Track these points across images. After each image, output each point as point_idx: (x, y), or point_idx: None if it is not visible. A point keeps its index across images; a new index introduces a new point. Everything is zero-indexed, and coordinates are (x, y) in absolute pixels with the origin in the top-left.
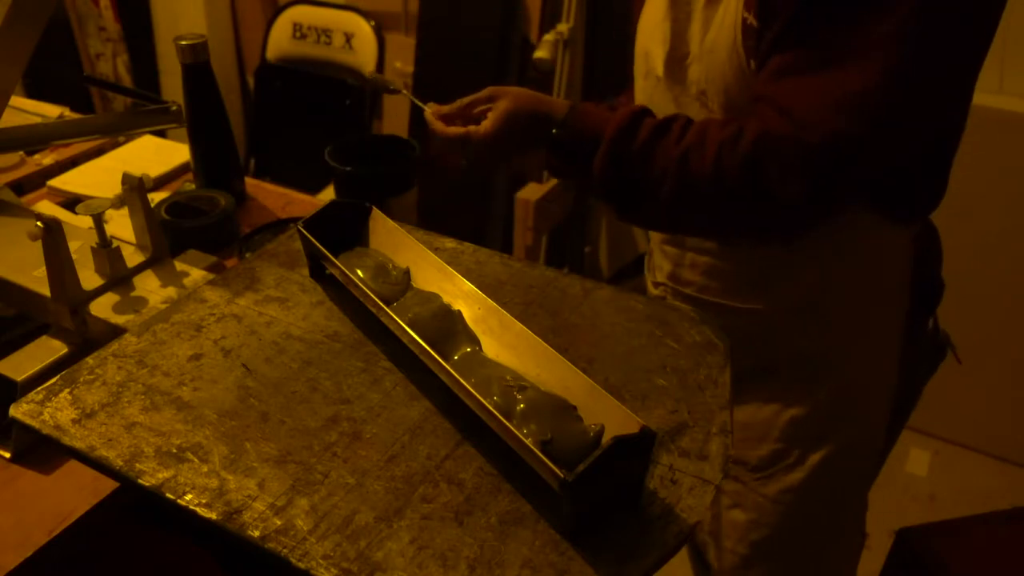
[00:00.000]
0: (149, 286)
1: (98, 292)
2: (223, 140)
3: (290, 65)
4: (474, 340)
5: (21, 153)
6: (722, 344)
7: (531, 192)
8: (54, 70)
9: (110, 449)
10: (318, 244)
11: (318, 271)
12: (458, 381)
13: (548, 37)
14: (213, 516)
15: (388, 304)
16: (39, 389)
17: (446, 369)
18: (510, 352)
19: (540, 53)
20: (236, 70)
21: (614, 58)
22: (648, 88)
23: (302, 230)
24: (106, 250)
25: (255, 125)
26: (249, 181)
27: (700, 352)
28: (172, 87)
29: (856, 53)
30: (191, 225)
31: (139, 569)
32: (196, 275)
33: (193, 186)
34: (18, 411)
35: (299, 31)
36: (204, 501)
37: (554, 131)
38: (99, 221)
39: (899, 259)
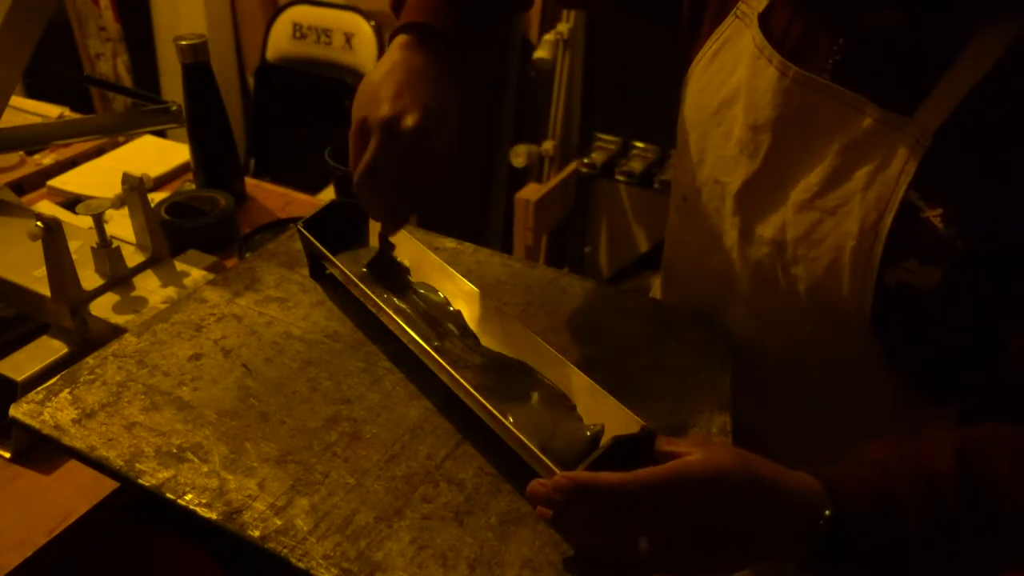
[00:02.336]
0: (149, 286)
1: (98, 292)
2: (223, 140)
3: (290, 65)
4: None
5: (21, 153)
6: (722, 344)
7: (531, 192)
8: (54, 70)
9: (110, 449)
10: (318, 244)
11: (318, 271)
12: (458, 381)
13: (548, 37)
14: (213, 516)
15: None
16: (39, 389)
17: (446, 369)
18: (510, 352)
19: (540, 53)
20: (236, 70)
21: (614, 58)
22: (697, 184)
23: (302, 230)
24: (106, 250)
25: (255, 125)
26: (249, 181)
27: (700, 352)
28: (172, 87)
29: None
30: (191, 225)
31: (139, 569)
32: (196, 275)
33: (193, 186)
34: (18, 411)
35: (299, 31)
36: (204, 501)
37: (820, 542)
38: (99, 221)
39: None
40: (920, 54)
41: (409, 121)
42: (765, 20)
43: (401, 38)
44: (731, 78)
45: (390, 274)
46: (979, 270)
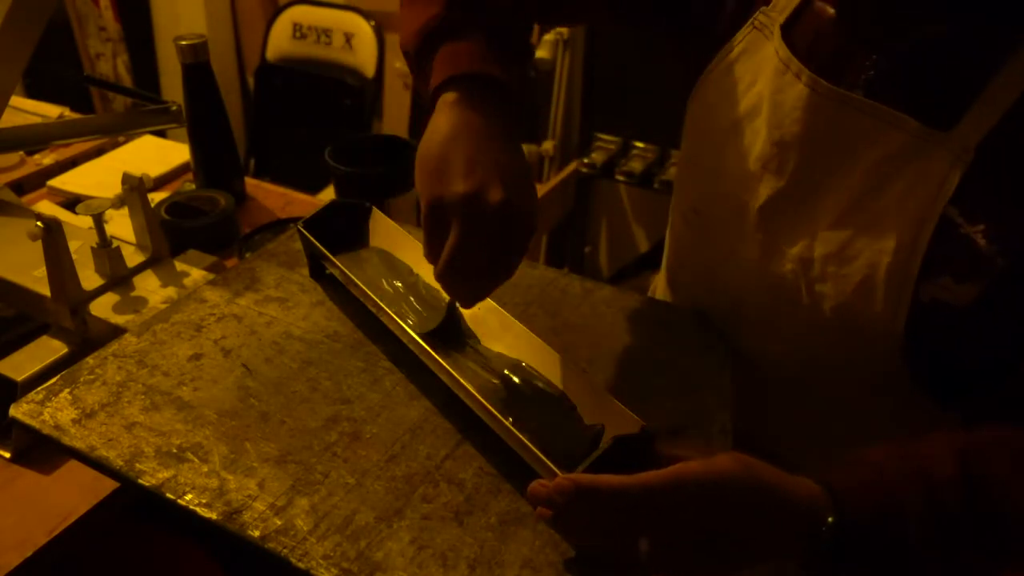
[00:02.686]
0: (149, 286)
1: (98, 292)
2: (223, 140)
3: (290, 65)
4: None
5: (21, 153)
6: (722, 344)
7: None
8: (54, 70)
9: (110, 449)
10: (318, 244)
11: (318, 271)
12: (458, 381)
13: (548, 37)
14: (213, 516)
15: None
16: (39, 389)
17: (446, 369)
18: (510, 352)
19: (540, 53)
20: (236, 70)
21: (614, 58)
22: (711, 197)
23: (302, 230)
24: (106, 250)
25: (255, 125)
26: (249, 181)
27: (700, 352)
28: (172, 87)
29: None
30: (191, 225)
31: (139, 569)
32: (196, 275)
33: (193, 186)
34: (18, 411)
35: (299, 31)
36: (204, 501)
37: (823, 547)
38: (99, 221)
39: None
40: (958, 69)
41: (494, 196)
42: (786, 32)
43: (448, 96)
44: (750, 91)
45: (454, 338)
46: (1017, 287)
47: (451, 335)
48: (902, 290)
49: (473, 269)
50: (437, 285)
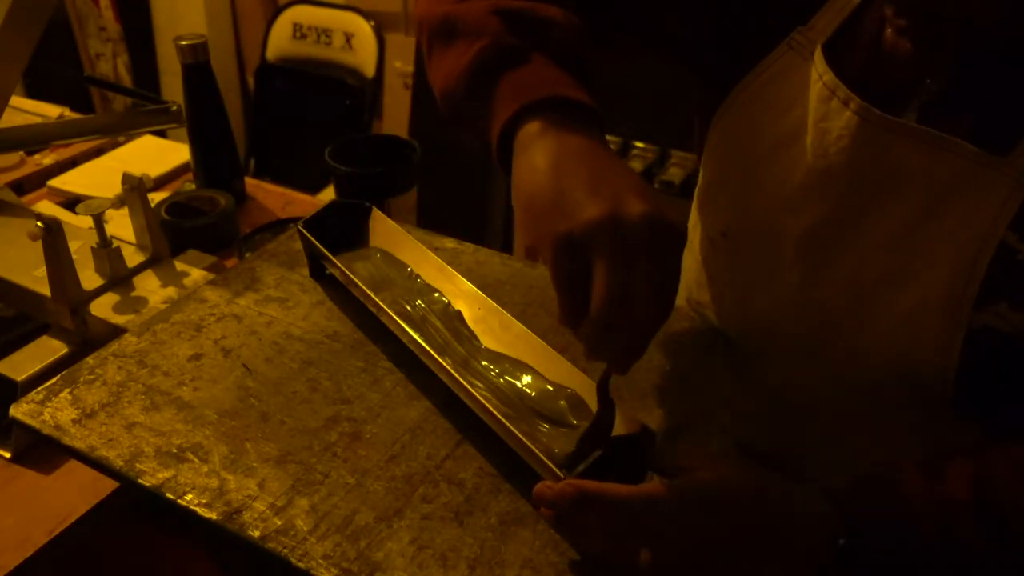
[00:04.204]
0: (149, 286)
1: (98, 292)
2: (223, 140)
3: (290, 65)
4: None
5: (21, 153)
6: (721, 344)
7: None
8: (54, 70)
9: (110, 449)
10: (318, 244)
11: (318, 271)
12: (459, 381)
13: None
14: (213, 516)
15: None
16: (39, 389)
17: (447, 369)
18: (510, 352)
19: None
20: (236, 70)
21: (613, 58)
22: (741, 221)
23: (302, 230)
24: (106, 250)
25: (255, 125)
26: (249, 181)
27: (700, 352)
28: (172, 87)
29: None
30: (191, 225)
31: (139, 569)
32: (196, 275)
33: (193, 186)
34: (18, 411)
35: (299, 31)
36: (204, 501)
37: (831, 569)
38: (99, 221)
39: None
40: (1016, 91)
41: (635, 208)
42: (828, 54)
43: (531, 127)
44: (787, 116)
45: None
46: None
47: (602, 436)
48: (957, 317)
49: (638, 308)
50: (436, 283)
